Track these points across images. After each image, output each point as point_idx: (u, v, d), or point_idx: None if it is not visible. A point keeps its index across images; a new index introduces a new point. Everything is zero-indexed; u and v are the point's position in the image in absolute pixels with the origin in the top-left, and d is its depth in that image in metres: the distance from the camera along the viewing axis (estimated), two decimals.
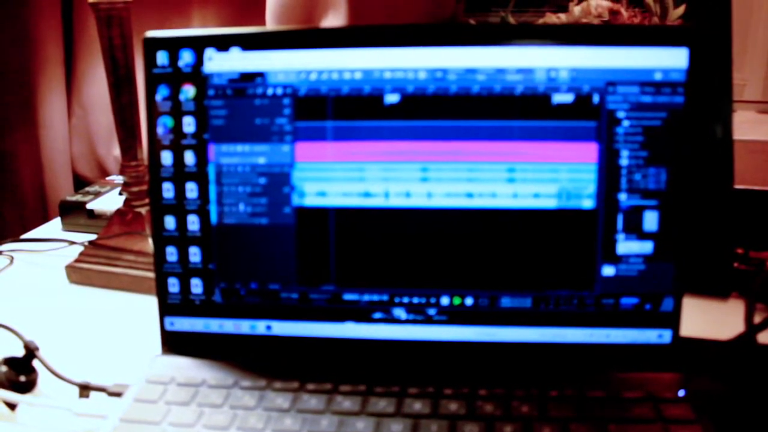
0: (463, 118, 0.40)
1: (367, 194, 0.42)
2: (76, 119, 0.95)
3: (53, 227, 0.78)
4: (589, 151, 0.40)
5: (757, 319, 0.43)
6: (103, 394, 0.42)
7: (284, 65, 0.41)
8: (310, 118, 0.41)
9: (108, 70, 0.60)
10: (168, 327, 0.45)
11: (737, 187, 0.53)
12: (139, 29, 0.50)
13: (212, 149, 0.42)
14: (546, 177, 0.40)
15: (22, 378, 0.44)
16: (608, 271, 0.41)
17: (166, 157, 0.43)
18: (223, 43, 0.41)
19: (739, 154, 0.52)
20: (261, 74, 0.41)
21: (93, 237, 0.66)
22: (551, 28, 0.42)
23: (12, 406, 0.42)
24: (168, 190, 0.43)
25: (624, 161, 0.40)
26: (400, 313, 0.43)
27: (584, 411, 0.37)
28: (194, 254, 0.43)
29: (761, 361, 0.43)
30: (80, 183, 0.96)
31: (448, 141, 0.41)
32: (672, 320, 0.41)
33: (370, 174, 0.41)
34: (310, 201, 0.42)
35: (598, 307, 0.41)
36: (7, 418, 0.41)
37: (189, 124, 0.42)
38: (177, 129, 0.42)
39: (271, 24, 0.68)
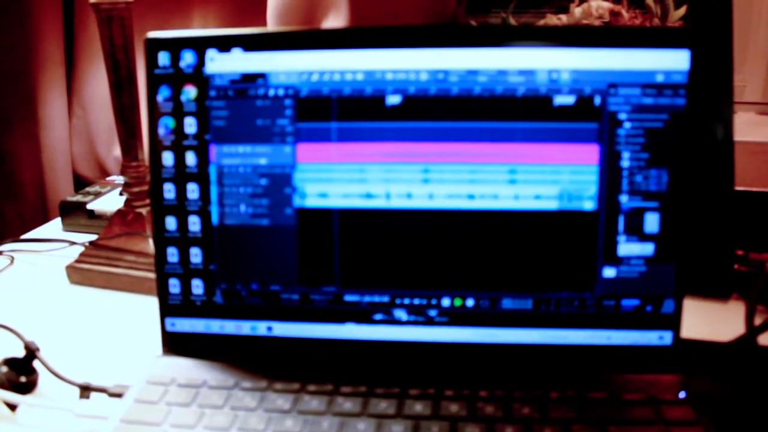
0: (464, 119, 0.40)
1: (368, 195, 0.42)
2: (77, 119, 0.95)
3: (53, 227, 0.78)
4: (591, 152, 0.40)
5: (758, 320, 0.43)
6: (103, 395, 0.42)
7: (286, 66, 0.41)
8: (312, 119, 0.41)
9: (109, 70, 0.60)
10: (169, 328, 0.45)
11: (738, 188, 0.53)
12: (140, 29, 0.50)
13: (213, 150, 0.42)
14: (547, 178, 0.40)
15: (23, 379, 0.44)
16: (609, 272, 0.41)
17: (168, 158, 0.43)
18: (224, 44, 0.41)
19: (739, 155, 0.52)
20: (262, 75, 0.41)
21: (93, 237, 0.66)
22: (552, 30, 0.42)
23: (12, 407, 0.42)
24: (169, 190, 0.43)
25: (625, 163, 0.40)
26: (401, 314, 0.43)
27: (585, 412, 0.37)
28: (195, 255, 0.43)
29: (762, 363, 0.43)
30: (80, 183, 0.96)
31: (450, 142, 0.41)
32: (673, 322, 0.41)
33: (371, 175, 0.41)
34: (311, 202, 0.42)
35: (599, 309, 0.41)
36: (8, 419, 0.42)
37: (190, 125, 0.42)
38: (178, 130, 0.42)
39: (272, 25, 0.68)
